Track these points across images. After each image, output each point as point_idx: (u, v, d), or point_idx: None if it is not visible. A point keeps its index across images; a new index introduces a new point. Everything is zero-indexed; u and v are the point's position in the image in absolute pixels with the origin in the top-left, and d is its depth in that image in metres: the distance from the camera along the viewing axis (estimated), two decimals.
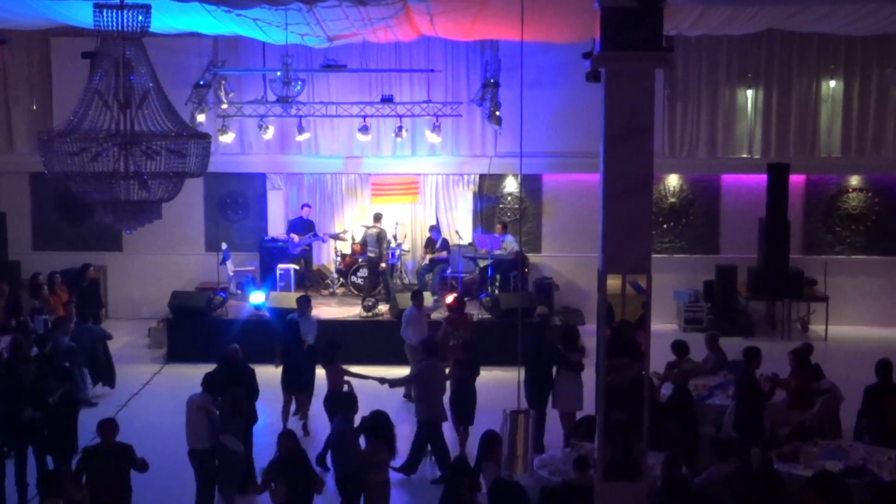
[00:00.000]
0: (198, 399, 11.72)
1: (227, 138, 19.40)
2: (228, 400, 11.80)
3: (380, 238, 19.44)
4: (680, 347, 14.10)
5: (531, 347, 13.79)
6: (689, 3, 13.77)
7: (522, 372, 13.14)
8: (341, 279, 20.10)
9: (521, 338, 11.98)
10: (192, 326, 18.16)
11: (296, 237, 20.01)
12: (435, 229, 20.44)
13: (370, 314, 18.42)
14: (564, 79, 19.54)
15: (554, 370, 13.97)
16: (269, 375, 14.57)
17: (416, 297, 16.53)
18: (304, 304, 15.68)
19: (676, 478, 10.14)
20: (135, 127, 9.37)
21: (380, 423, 11.31)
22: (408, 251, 20.75)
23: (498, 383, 15.80)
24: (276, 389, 15.89)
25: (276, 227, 21.01)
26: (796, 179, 20.35)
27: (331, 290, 20.23)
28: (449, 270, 20.01)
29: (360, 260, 19.79)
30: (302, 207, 20.57)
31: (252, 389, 13.02)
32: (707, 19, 15.70)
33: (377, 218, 19.80)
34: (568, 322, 16.91)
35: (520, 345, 10.88)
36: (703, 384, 13.31)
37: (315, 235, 20.30)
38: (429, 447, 13.42)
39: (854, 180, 21.05)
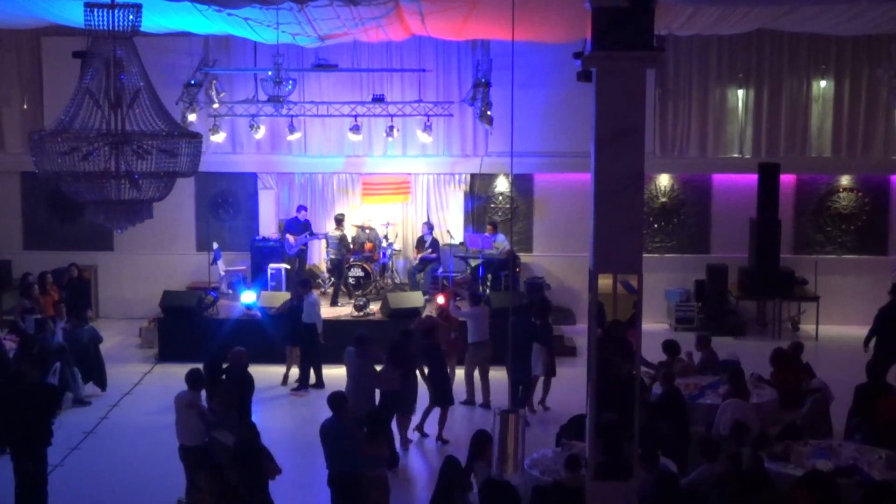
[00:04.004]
0: (186, 397, 11.70)
1: (218, 138, 19.37)
2: (222, 395, 11.80)
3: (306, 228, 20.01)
4: (671, 347, 14.13)
5: (512, 330, 13.83)
6: (680, 2, 13.80)
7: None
8: (332, 278, 20.06)
9: (505, 328, 12.13)
10: (183, 326, 18.11)
11: (292, 238, 19.95)
12: (428, 226, 20.39)
13: (361, 313, 18.40)
14: (555, 79, 19.56)
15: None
16: (262, 376, 14.54)
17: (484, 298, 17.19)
18: (304, 286, 16.96)
19: (664, 475, 10.14)
20: (126, 126, 9.38)
21: (379, 419, 11.36)
22: (399, 251, 20.74)
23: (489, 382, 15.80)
24: (270, 392, 15.94)
25: (268, 226, 20.94)
26: (787, 179, 20.38)
27: (322, 289, 20.20)
28: (440, 270, 20.01)
29: (351, 259, 19.77)
30: (298, 210, 20.44)
31: (248, 397, 12.96)
32: (698, 19, 15.72)
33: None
34: (533, 298, 17.67)
35: (510, 339, 10.93)
36: (694, 383, 13.33)
37: (312, 234, 20.22)
38: None
39: (844, 180, 21.07)
